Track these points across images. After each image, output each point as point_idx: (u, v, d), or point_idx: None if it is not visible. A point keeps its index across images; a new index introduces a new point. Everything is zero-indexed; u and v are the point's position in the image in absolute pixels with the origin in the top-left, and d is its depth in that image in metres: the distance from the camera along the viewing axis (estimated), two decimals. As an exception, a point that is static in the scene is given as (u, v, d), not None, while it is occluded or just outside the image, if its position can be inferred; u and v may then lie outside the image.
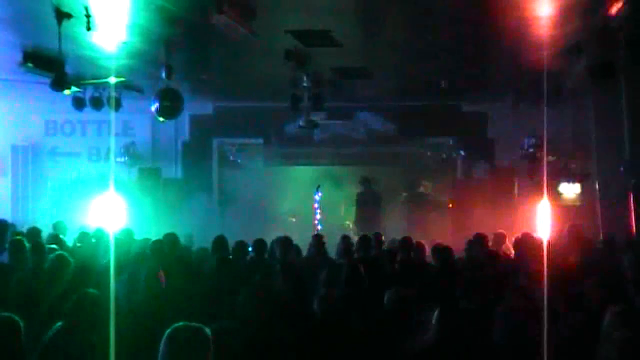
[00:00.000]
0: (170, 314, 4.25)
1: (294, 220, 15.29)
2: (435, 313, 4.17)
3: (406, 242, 8.30)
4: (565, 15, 7.28)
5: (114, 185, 11.99)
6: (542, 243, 7.60)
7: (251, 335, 4.39)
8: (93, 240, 8.98)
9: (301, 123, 12.33)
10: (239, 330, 4.30)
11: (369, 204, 13.87)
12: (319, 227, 13.07)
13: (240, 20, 6.97)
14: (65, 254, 6.59)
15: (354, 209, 14.21)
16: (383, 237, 9.30)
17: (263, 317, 4.58)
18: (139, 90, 11.72)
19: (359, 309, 5.29)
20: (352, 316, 5.09)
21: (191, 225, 11.55)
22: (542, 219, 9.89)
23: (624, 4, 6.35)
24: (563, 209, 11.06)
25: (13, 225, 10.07)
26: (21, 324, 3.79)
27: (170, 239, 8.19)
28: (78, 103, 11.74)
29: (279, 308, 4.93)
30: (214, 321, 3.67)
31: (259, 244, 8.11)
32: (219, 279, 6.54)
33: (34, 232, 8.98)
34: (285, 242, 8.12)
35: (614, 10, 6.55)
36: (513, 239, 8.61)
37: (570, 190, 11.66)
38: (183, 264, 7.49)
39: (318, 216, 13.35)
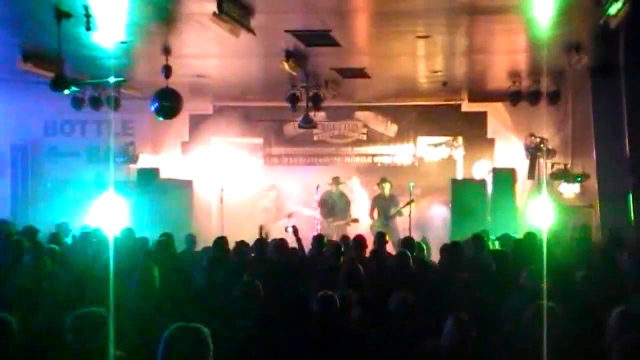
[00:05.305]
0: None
1: (294, 220, 15.26)
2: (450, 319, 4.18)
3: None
4: (565, 15, 7.27)
5: (113, 185, 11.96)
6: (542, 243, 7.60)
7: (249, 335, 4.38)
8: (94, 240, 8.96)
9: (301, 123, 12.34)
10: (236, 330, 4.29)
11: None
12: (319, 227, 13.04)
13: (239, 19, 6.97)
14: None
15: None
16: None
17: (258, 316, 4.57)
18: (139, 90, 11.73)
19: (358, 309, 5.28)
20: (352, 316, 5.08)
21: (190, 226, 11.52)
22: (542, 219, 9.89)
23: (624, 4, 6.34)
24: (563, 209, 11.04)
25: (13, 224, 10.05)
26: (14, 323, 3.75)
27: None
28: (77, 103, 11.75)
29: (276, 308, 4.92)
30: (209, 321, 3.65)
31: (260, 243, 8.12)
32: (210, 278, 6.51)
33: (31, 231, 8.93)
34: (280, 245, 8.08)
35: (614, 10, 6.54)
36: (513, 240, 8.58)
37: (570, 190, 11.62)
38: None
39: (318, 216, 13.31)
